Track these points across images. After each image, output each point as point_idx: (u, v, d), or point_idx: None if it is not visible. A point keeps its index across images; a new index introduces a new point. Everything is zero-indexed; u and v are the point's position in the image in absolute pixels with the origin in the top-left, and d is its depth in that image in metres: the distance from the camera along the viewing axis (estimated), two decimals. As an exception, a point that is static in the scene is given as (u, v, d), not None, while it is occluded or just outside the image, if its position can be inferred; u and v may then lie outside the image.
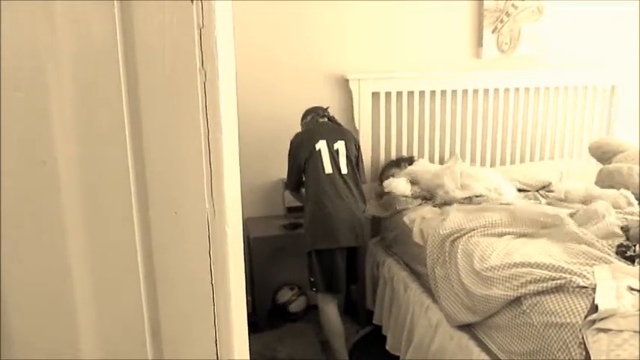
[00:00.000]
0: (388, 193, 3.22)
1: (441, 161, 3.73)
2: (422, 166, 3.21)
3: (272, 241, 3.30)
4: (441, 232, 2.61)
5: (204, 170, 0.65)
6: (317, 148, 2.84)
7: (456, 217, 2.69)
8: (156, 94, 0.63)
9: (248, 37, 3.26)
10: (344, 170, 2.86)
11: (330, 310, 2.83)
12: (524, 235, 2.48)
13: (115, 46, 0.60)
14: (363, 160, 3.15)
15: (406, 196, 3.11)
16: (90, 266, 0.65)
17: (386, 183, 3.27)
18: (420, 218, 2.90)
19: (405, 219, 3.00)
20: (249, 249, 3.25)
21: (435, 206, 3.00)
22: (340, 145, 2.89)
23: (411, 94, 3.60)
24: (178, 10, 0.62)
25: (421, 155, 3.70)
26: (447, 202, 2.92)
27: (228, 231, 0.67)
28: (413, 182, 3.22)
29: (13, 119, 0.60)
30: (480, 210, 2.73)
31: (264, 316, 3.40)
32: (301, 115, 3.15)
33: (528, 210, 2.60)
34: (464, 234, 2.54)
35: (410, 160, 3.49)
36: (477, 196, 2.79)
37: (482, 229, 2.53)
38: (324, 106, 3.18)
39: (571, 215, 2.55)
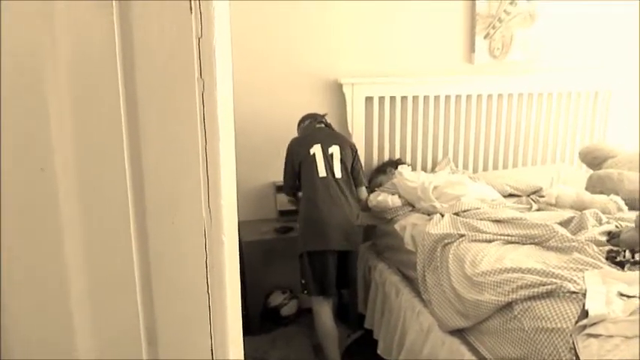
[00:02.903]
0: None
1: (434, 165, 3.75)
2: (402, 180, 3.20)
3: (264, 244, 3.30)
4: (431, 232, 2.62)
5: (202, 179, 0.65)
6: (311, 153, 2.85)
7: (445, 222, 2.71)
8: (154, 103, 0.63)
9: (241, 41, 3.25)
10: (338, 174, 2.87)
11: (325, 314, 2.83)
12: (514, 241, 2.49)
13: (113, 56, 0.61)
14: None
15: (396, 207, 3.13)
16: (87, 274, 0.65)
17: (372, 199, 3.27)
18: (410, 225, 2.92)
19: (396, 226, 3.01)
20: (241, 252, 3.25)
21: (423, 213, 3.01)
22: (335, 150, 2.90)
23: (404, 98, 3.61)
24: (177, 20, 0.62)
25: (414, 160, 3.71)
26: (432, 212, 2.93)
27: (225, 240, 0.68)
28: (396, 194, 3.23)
29: (12, 126, 0.60)
30: (469, 217, 2.75)
31: (256, 319, 3.39)
32: (297, 120, 3.17)
33: (517, 223, 2.61)
34: (455, 239, 2.55)
35: (396, 164, 3.48)
36: (463, 211, 2.79)
37: (472, 235, 2.54)
38: (322, 113, 3.19)
39: (562, 224, 2.57)
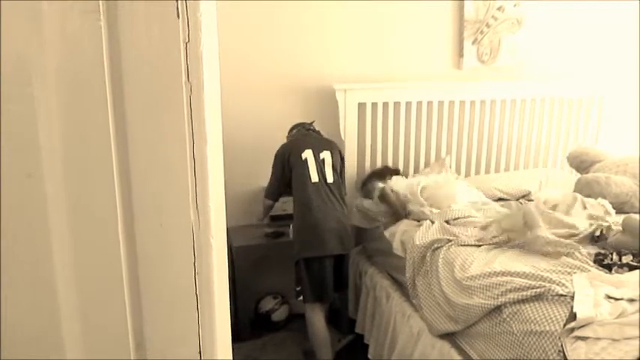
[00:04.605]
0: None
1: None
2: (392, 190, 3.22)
3: (255, 249, 3.29)
4: (417, 243, 2.62)
5: (190, 182, 0.66)
6: (303, 158, 2.86)
7: (434, 228, 2.72)
8: (142, 108, 0.64)
9: (232, 46, 3.26)
10: (330, 179, 2.88)
11: (318, 321, 2.83)
12: (503, 245, 2.50)
13: (101, 61, 0.61)
14: (347, 170, 3.17)
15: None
16: (75, 279, 0.65)
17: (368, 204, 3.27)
18: (400, 232, 2.92)
19: (386, 233, 3.02)
20: (232, 258, 3.24)
21: (413, 219, 3.02)
22: (326, 155, 2.91)
23: (397, 104, 3.62)
24: (165, 24, 0.62)
25: (406, 166, 3.72)
26: (422, 218, 2.94)
27: (213, 242, 0.68)
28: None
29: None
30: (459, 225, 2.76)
31: (247, 325, 3.38)
32: (287, 126, 3.18)
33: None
34: (444, 244, 2.56)
35: (393, 174, 3.48)
36: (454, 219, 2.80)
37: (462, 239, 2.55)
38: (309, 121, 3.20)
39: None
